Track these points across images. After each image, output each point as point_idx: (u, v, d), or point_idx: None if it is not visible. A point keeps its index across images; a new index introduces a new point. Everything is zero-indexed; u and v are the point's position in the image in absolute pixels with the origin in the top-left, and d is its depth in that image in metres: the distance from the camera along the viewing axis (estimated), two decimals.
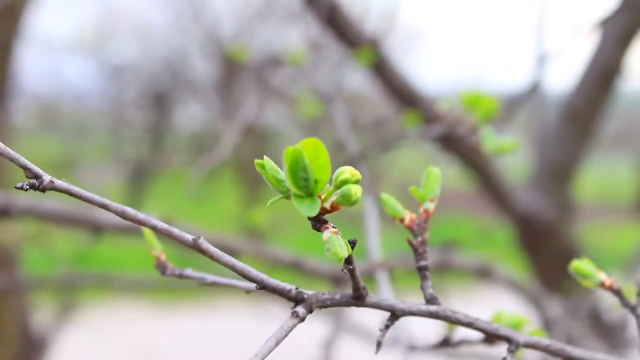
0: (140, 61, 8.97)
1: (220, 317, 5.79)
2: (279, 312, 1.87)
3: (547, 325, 1.82)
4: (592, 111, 2.20)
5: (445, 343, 0.86)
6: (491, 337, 0.76)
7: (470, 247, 2.29)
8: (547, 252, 2.27)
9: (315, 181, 0.55)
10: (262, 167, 0.57)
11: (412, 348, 1.00)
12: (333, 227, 0.58)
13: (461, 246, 1.90)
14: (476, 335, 0.81)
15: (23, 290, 2.67)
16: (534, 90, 2.52)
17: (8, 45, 2.57)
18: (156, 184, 6.81)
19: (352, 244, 0.60)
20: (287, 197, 0.57)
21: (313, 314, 0.66)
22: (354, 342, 2.02)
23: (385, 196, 0.72)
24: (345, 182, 0.57)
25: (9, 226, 2.43)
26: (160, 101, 8.76)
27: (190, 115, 9.27)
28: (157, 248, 0.73)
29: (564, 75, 2.55)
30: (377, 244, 1.21)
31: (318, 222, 0.58)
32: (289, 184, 0.56)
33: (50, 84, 8.98)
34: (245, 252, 1.50)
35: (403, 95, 2.08)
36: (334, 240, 0.57)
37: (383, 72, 2.07)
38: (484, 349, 0.94)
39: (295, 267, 1.59)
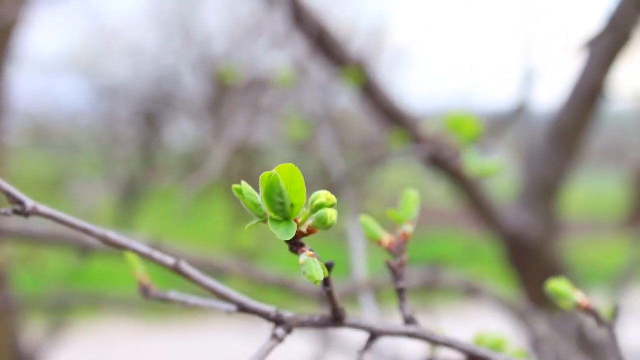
0: (132, 80, 8.98)
1: (211, 334, 5.78)
2: (268, 328, 1.87)
3: (535, 343, 1.83)
4: (578, 129, 2.22)
5: None
6: (471, 358, 0.77)
7: (457, 263, 2.30)
8: (534, 269, 2.29)
9: (292, 205, 0.57)
10: (240, 192, 0.58)
11: None
12: (310, 250, 0.59)
13: (448, 263, 1.91)
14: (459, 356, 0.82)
15: (14, 310, 2.66)
16: (521, 109, 2.54)
17: None
18: (147, 201, 6.80)
19: (329, 266, 0.61)
20: (265, 221, 0.58)
21: (302, 331, 0.67)
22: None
23: (365, 219, 0.73)
24: (321, 206, 0.58)
25: None
26: (151, 120, 8.77)
27: (182, 133, 9.28)
28: (140, 271, 0.74)
29: (551, 93, 2.57)
30: (362, 265, 1.22)
31: (295, 246, 0.60)
32: (265, 208, 0.57)
33: (42, 103, 9.00)
34: (232, 272, 1.51)
35: (390, 115, 2.09)
36: (310, 263, 0.58)
37: (370, 92, 2.09)
38: None
39: (283, 287, 1.60)
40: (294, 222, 0.57)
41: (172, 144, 9.38)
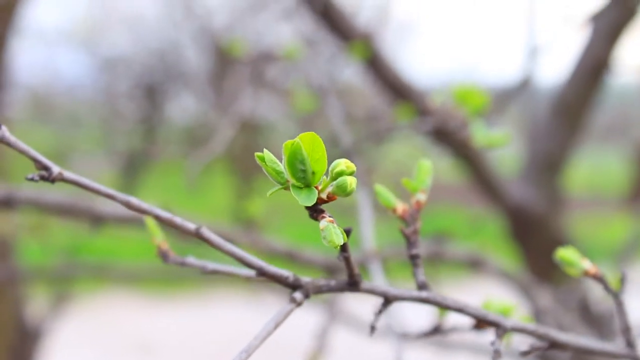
0: (132, 53, 8.97)
1: (216, 307, 5.81)
2: (274, 302, 1.90)
3: (538, 315, 1.85)
4: (582, 104, 2.23)
5: (437, 330, 0.89)
6: (480, 323, 0.79)
7: (461, 238, 2.32)
8: (537, 243, 2.30)
9: (313, 173, 0.58)
10: (262, 159, 0.60)
11: (405, 336, 1.03)
12: (329, 216, 0.61)
13: (453, 237, 1.93)
14: (467, 322, 0.84)
15: (19, 280, 2.68)
16: (525, 84, 2.55)
17: (2, 38, 2.59)
18: (148, 176, 6.82)
19: (347, 232, 0.63)
20: (286, 188, 0.60)
21: (308, 305, 0.69)
22: (349, 333, 2.06)
23: (379, 187, 0.74)
24: (341, 173, 0.60)
25: (6, 216, 2.45)
26: (152, 93, 8.77)
27: (183, 107, 9.27)
28: (159, 237, 0.76)
29: (555, 68, 2.58)
30: (370, 234, 1.23)
31: (315, 212, 0.61)
32: (287, 175, 0.58)
33: (43, 76, 8.98)
34: (240, 242, 1.53)
35: (395, 88, 2.10)
36: (330, 228, 0.59)
37: (376, 65, 2.09)
38: (474, 340, 0.96)
39: (290, 257, 1.62)
40: (314, 188, 0.59)
41: (173, 118, 9.38)
